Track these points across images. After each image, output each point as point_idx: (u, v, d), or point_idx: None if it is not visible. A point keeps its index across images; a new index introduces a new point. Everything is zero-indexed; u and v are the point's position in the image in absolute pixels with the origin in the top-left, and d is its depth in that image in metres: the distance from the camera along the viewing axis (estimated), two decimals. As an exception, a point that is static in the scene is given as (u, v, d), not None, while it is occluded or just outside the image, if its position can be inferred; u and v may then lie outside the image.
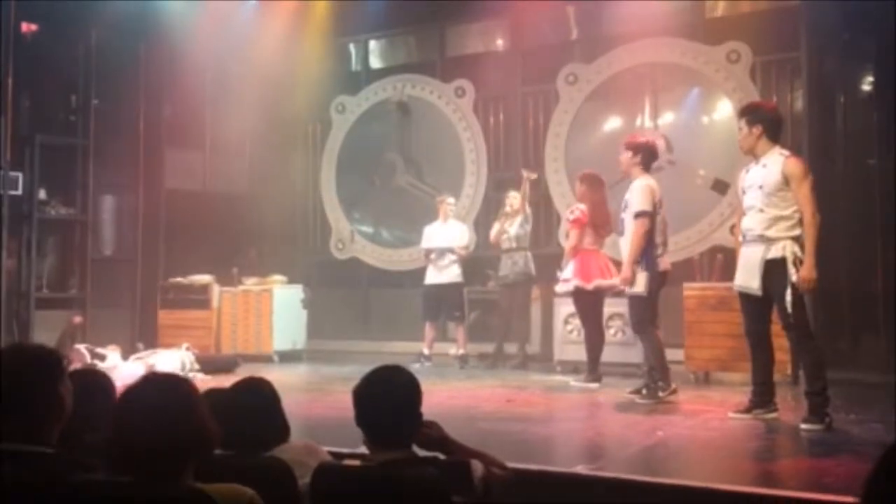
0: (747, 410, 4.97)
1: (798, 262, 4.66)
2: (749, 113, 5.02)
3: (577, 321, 7.42)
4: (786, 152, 4.88)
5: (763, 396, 4.98)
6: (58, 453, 2.04)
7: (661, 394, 5.73)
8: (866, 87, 8.08)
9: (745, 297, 4.95)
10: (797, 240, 4.71)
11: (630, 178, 6.08)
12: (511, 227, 8.22)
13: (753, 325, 5.00)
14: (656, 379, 5.78)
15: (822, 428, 4.53)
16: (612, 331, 7.47)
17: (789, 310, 4.64)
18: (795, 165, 4.77)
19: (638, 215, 5.80)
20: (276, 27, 9.80)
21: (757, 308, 4.94)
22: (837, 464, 3.88)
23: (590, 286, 6.85)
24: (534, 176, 8.26)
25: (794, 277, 4.63)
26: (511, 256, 8.21)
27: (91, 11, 8.97)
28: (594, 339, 6.90)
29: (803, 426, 4.59)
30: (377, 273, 10.46)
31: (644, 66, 8.93)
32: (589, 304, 6.96)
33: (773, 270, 4.72)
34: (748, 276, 4.84)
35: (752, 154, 4.94)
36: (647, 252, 5.83)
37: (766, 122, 4.91)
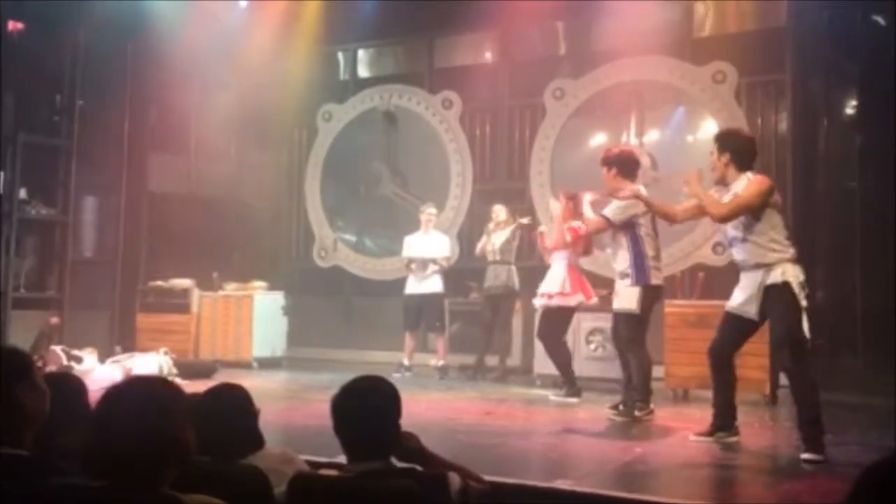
0: (709, 434, 4.86)
1: (802, 286, 4.51)
2: (720, 140, 4.87)
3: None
4: (750, 175, 4.72)
5: (725, 420, 4.86)
6: (31, 456, 2.01)
7: (637, 413, 5.67)
8: (849, 111, 8.18)
9: (734, 319, 4.78)
10: (795, 261, 4.59)
11: (617, 192, 6.01)
12: (497, 239, 8.24)
13: (725, 347, 4.85)
14: (635, 398, 5.73)
15: (822, 458, 4.25)
16: (592, 346, 7.48)
17: (807, 335, 4.46)
18: (752, 181, 4.66)
19: (604, 215, 5.80)
20: (264, 33, 9.79)
21: (741, 332, 4.81)
22: (814, 484, 3.90)
23: (591, 301, 6.90)
24: (526, 220, 8.26)
25: (804, 302, 4.49)
26: (495, 269, 8.22)
27: (79, 12, 8.91)
28: (566, 353, 6.93)
29: (804, 456, 4.33)
30: (359, 282, 10.43)
31: (630, 83, 8.99)
32: (568, 319, 6.98)
33: (772, 296, 4.55)
34: (746, 301, 4.67)
35: (723, 183, 4.79)
36: (637, 265, 5.72)
37: (734, 151, 4.73)
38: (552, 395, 6.82)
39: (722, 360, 4.86)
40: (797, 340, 4.47)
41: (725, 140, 4.86)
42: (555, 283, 6.87)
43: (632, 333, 5.78)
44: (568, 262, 6.90)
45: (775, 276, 4.55)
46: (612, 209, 5.78)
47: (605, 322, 6.72)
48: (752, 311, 4.66)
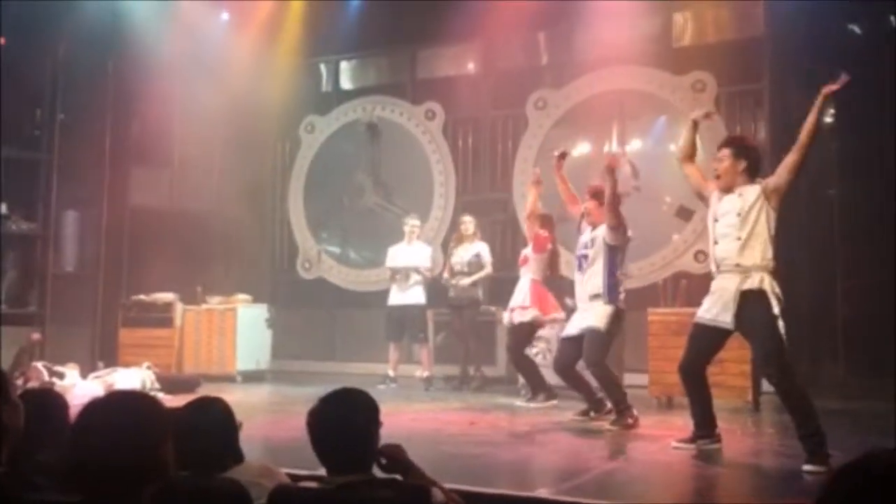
0: (691, 441, 4.87)
1: (778, 298, 4.44)
2: (736, 145, 4.73)
3: (542, 345, 7.47)
4: (761, 181, 4.66)
5: (705, 429, 4.87)
6: (7, 472, 2.00)
7: (629, 421, 5.74)
8: (826, 119, 8.24)
9: (706, 331, 4.71)
10: (773, 273, 4.53)
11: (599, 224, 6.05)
12: (465, 252, 8.27)
13: (699, 362, 4.80)
14: (622, 409, 5.79)
15: (826, 469, 4.10)
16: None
17: (784, 343, 4.37)
18: (770, 177, 4.62)
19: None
20: (247, 45, 9.80)
21: (714, 343, 4.76)
22: (794, 489, 3.92)
23: (547, 318, 6.99)
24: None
25: (776, 310, 4.42)
26: (459, 280, 8.27)
27: (59, 25, 8.89)
28: (527, 361, 7.10)
29: (806, 467, 4.19)
30: (343, 293, 10.42)
31: (612, 93, 9.06)
32: (527, 334, 7.07)
33: (748, 302, 4.48)
34: (721, 311, 4.58)
35: (728, 188, 4.65)
36: (611, 286, 5.86)
37: (751, 158, 4.66)
38: (518, 402, 6.97)
39: (695, 376, 4.82)
40: (781, 356, 4.41)
41: (742, 147, 4.72)
42: (517, 297, 7.06)
43: (596, 356, 5.85)
44: (533, 277, 7.05)
45: (752, 283, 4.49)
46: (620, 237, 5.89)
47: (547, 331, 7.24)
48: (727, 320, 4.57)
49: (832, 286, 7.71)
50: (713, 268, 4.76)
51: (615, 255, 5.91)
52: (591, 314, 5.90)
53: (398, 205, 10.08)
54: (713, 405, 4.92)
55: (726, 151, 4.68)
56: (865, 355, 7.20)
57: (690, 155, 5.02)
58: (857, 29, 8.01)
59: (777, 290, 4.50)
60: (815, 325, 7.71)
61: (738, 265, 4.55)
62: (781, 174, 4.58)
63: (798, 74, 8.16)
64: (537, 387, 6.95)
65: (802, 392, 4.44)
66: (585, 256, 6.00)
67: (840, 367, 7.50)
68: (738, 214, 4.57)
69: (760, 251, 4.53)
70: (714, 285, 4.72)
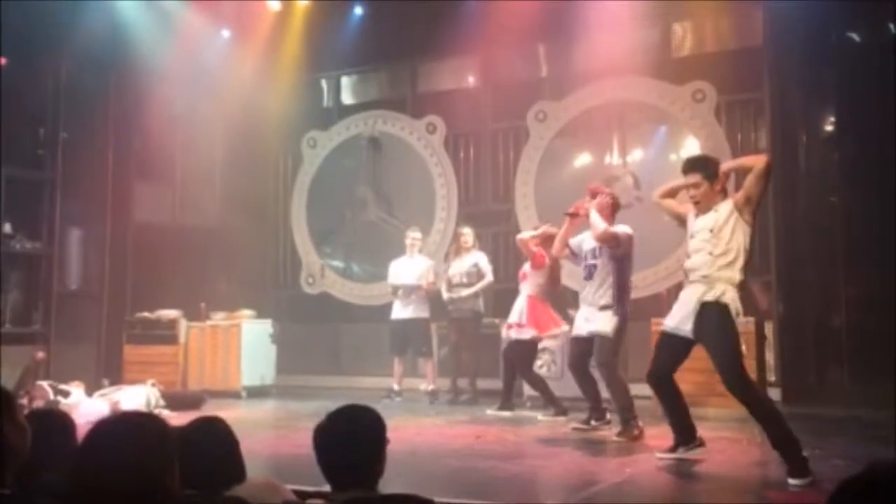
0: (672, 450, 4.90)
1: (738, 313, 4.49)
2: (705, 167, 4.74)
3: (546, 356, 7.45)
4: (734, 195, 4.69)
5: (684, 436, 4.90)
6: (12, 494, 2.00)
7: (635, 432, 5.76)
8: (828, 127, 8.28)
9: (670, 339, 4.75)
10: (739, 287, 4.54)
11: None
12: (463, 262, 8.26)
13: (665, 370, 4.82)
14: (628, 418, 5.81)
15: (810, 481, 4.11)
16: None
17: (740, 354, 4.42)
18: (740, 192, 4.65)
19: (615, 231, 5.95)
20: (247, 61, 9.85)
21: (678, 352, 4.78)
22: (800, 500, 3.90)
23: (545, 335, 7.01)
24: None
25: (734, 323, 4.45)
26: (458, 292, 8.25)
27: (60, 44, 8.93)
28: (537, 378, 7.11)
29: (791, 481, 4.17)
30: (347, 308, 10.42)
31: (612, 104, 9.08)
32: (528, 351, 7.09)
33: (708, 314, 4.52)
34: (683, 319, 4.64)
35: (706, 210, 4.68)
36: (622, 299, 5.93)
37: (719, 177, 4.70)
38: (540, 416, 6.92)
39: (664, 384, 4.87)
40: (736, 367, 4.44)
41: (710, 167, 4.75)
42: (514, 314, 7.10)
43: (606, 357, 5.91)
44: (531, 293, 7.06)
45: (714, 294, 4.51)
46: (625, 229, 5.99)
47: (553, 342, 7.20)
48: (687, 328, 4.61)
49: (835, 293, 7.70)
50: (684, 278, 4.84)
51: (624, 264, 5.99)
52: (599, 320, 5.95)
53: (400, 218, 10.09)
54: (689, 412, 4.96)
55: (697, 176, 4.71)
56: (869, 363, 7.18)
57: (669, 199, 5.15)
58: (856, 36, 8.03)
59: (738, 304, 4.52)
60: (819, 333, 7.69)
61: (704, 277, 4.59)
62: (746, 186, 4.60)
63: (798, 82, 8.19)
64: (549, 401, 6.98)
65: (764, 400, 4.55)
66: (595, 266, 6.02)
67: (843, 374, 7.48)
68: (711, 230, 4.62)
69: (728, 265, 4.55)
70: (681, 295, 4.79)
